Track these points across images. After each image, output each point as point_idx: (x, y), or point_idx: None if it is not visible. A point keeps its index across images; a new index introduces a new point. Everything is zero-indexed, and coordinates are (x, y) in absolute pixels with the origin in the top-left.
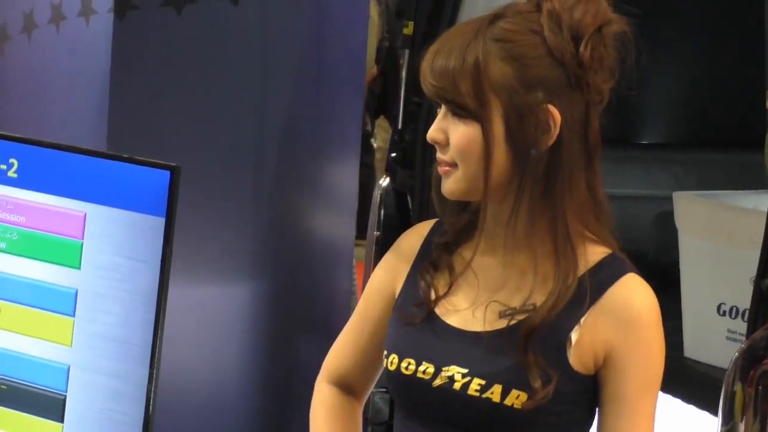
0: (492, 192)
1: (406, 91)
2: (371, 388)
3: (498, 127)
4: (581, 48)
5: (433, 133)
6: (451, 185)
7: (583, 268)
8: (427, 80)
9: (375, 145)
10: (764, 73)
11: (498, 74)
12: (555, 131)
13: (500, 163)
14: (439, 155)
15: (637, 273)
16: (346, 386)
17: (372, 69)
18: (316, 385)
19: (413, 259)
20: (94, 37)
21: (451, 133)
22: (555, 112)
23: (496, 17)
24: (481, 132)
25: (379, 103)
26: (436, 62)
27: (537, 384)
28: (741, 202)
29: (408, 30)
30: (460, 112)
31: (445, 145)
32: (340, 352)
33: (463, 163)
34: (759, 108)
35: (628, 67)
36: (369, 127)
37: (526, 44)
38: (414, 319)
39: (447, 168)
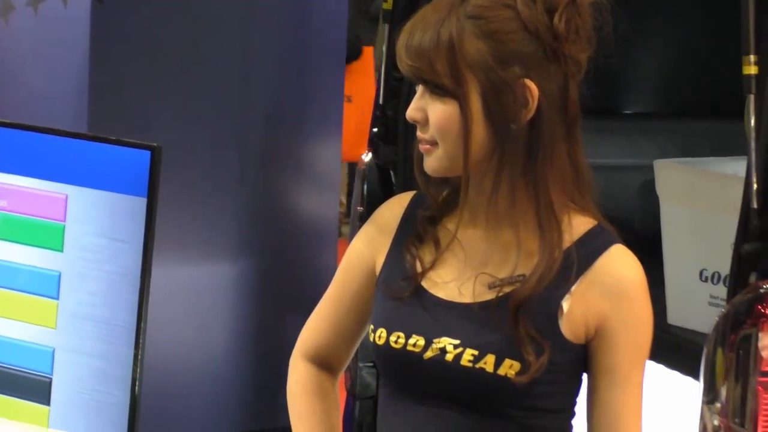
0: (473, 168)
1: (386, 66)
2: (348, 363)
3: (476, 105)
4: (555, 20)
5: (411, 112)
6: (432, 163)
7: (569, 240)
8: (404, 60)
9: None
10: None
11: (473, 52)
12: (533, 105)
13: (480, 139)
14: (419, 133)
15: (623, 244)
16: (323, 362)
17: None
18: (291, 362)
19: (394, 231)
20: (72, 18)
21: (430, 112)
22: (532, 86)
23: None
24: (459, 110)
25: None
26: (411, 42)
27: (530, 356)
28: (721, 169)
29: (387, 5)
30: (438, 91)
31: (425, 123)
32: (317, 327)
33: (443, 141)
34: (741, 75)
35: (606, 36)
36: None
37: (499, 20)
38: (402, 293)
39: (428, 146)
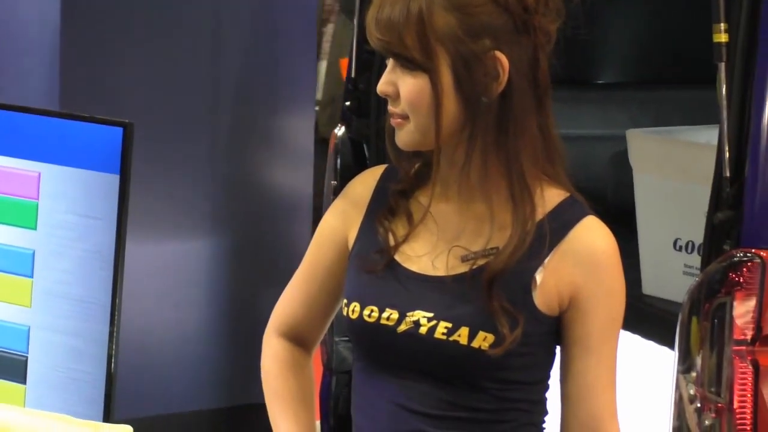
0: (445, 141)
1: (358, 39)
2: (322, 337)
3: (446, 78)
4: None
5: (382, 86)
6: (404, 137)
7: (541, 212)
8: (374, 35)
9: None
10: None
11: (442, 24)
12: (504, 77)
13: (451, 112)
14: (390, 107)
15: (595, 215)
16: (297, 337)
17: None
18: (265, 338)
19: (366, 205)
20: None
21: (401, 86)
22: (503, 58)
23: None
24: (429, 83)
25: None
26: (381, 15)
27: (504, 329)
28: (694, 138)
29: None
30: (408, 64)
31: (396, 97)
32: (290, 302)
33: (415, 115)
34: (711, 44)
35: (575, 6)
36: None
37: None
38: (375, 266)
39: (399, 120)
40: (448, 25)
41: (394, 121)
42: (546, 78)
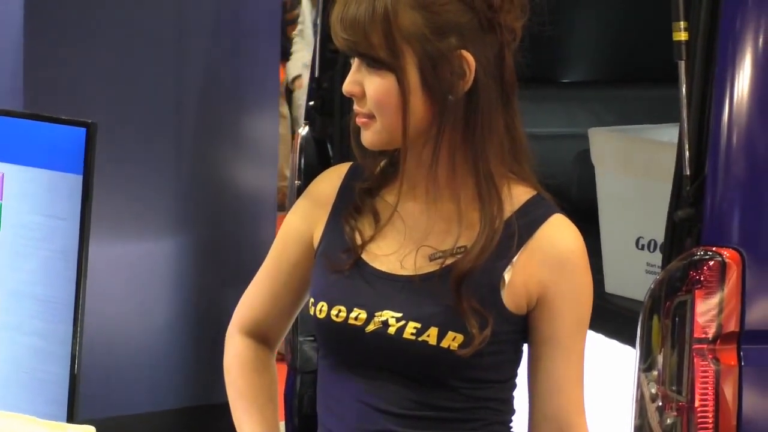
0: (411, 140)
1: (321, 38)
2: (284, 335)
3: (413, 77)
4: None
5: (348, 86)
6: (370, 136)
7: (509, 210)
8: (339, 34)
9: None
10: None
11: (408, 23)
12: (470, 76)
13: (418, 111)
14: (356, 107)
15: (562, 213)
16: (260, 335)
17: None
18: (227, 337)
19: (331, 204)
20: None
21: (367, 86)
22: (469, 57)
23: None
24: (396, 83)
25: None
26: (346, 14)
27: (474, 328)
28: (656, 136)
29: None
30: (374, 64)
31: (362, 97)
32: (253, 300)
33: (381, 115)
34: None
35: (540, 4)
36: None
37: None
38: (342, 265)
39: (365, 120)
40: (414, 24)
41: (360, 121)
42: (512, 76)
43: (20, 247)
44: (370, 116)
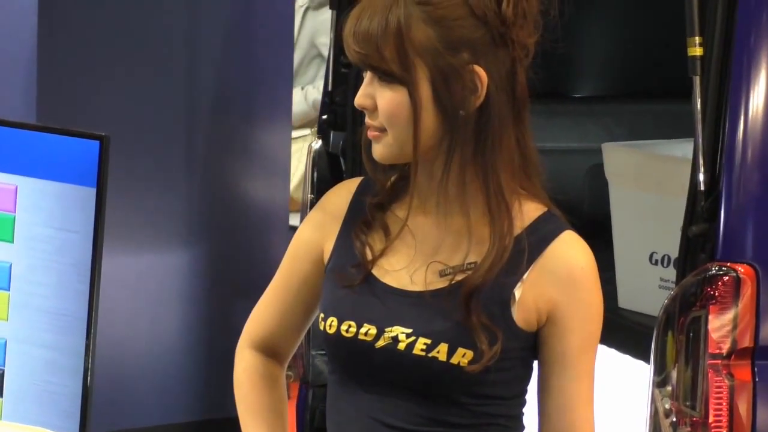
0: (422, 154)
1: (334, 52)
2: (295, 350)
3: (425, 91)
4: (503, 5)
5: (360, 99)
6: (381, 150)
7: (519, 227)
8: (351, 47)
9: None
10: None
11: (422, 38)
12: (482, 91)
13: (429, 126)
14: (368, 120)
15: (573, 230)
16: (270, 350)
17: None
18: (237, 351)
19: (342, 218)
20: (20, 10)
21: (379, 99)
22: (481, 72)
23: None
24: (408, 97)
25: None
26: (359, 28)
27: (483, 345)
28: (669, 151)
29: None
30: (386, 77)
31: (373, 110)
32: (263, 315)
33: (392, 128)
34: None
35: (553, 19)
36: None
37: (447, 5)
38: (352, 281)
39: (376, 133)
40: (427, 38)
41: (371, 134)
42: (524, 91)
43: (33, 260)
44: (382, 129)
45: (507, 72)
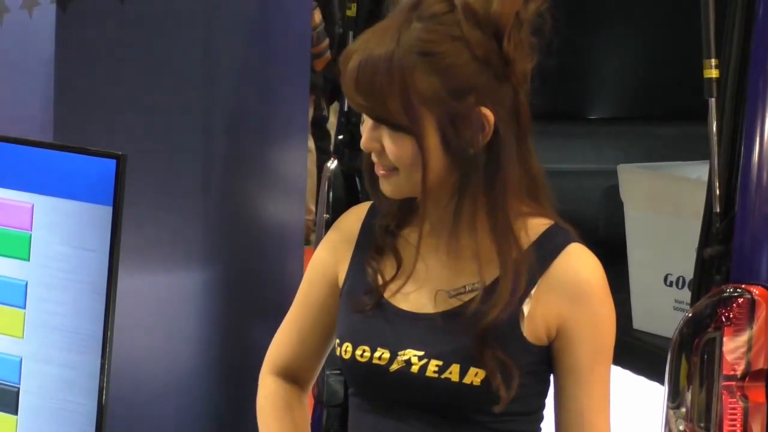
0: (432, 189)
1: None
2: (317, 375)
3: (433, 138)
4: (504, 44)
5: (367, 143)
6: (391, 188)
7: (525, 243)
8: (355, 99)
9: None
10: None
11: (427, 88)
12: (490, 129)
13: (439, 166)
14: (375, 158)
15: (580, 242)
16: (291, 376)
17: (327, 54)
18: (260, 378)
19: (354, 242)
20: (37, 28)
21: (386, 144)
22: (488, 112)
23: (409, 20)
24: (416, 143)
25: (334, 87)
26: (361, 81)
27: (494, 363)
28: (685, 173)
29: (351, 12)
30: (393, 128)
31: (382, 152)
32: (284, 341)
33: (402, 170)
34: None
35: (550, 41)
36: (325, 113)
37: (449, 54)
38: (364, 306)
39: (385, 172)
40: (431, 88)
41: (380, 172)
42: (527, 116)
43: (49, 278)
44: (391, 169)
45: (511, 103)
